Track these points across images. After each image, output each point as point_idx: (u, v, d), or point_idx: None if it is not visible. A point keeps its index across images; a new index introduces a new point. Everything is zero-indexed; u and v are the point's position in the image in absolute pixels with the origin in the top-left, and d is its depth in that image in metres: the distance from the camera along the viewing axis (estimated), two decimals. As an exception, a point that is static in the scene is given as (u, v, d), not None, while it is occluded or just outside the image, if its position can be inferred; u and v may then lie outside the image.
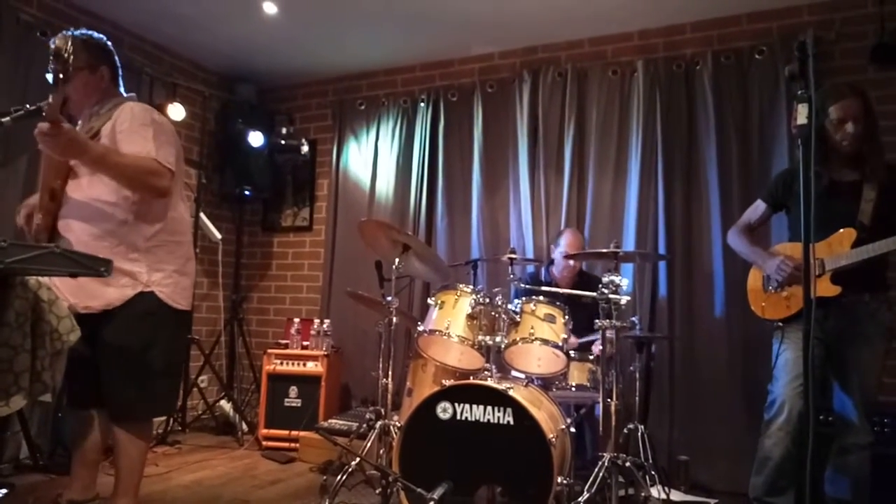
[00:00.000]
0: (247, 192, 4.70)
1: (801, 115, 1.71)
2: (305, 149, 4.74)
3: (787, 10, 3.63)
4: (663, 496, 2.67)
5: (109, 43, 2.32)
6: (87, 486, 2.28)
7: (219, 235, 4.43)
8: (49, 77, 2.18)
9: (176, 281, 2.20)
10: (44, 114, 1.89)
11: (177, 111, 4.12)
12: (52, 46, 2.16)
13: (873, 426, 2.53)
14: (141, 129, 2.10)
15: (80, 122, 2.28)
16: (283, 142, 4.70)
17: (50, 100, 1.94)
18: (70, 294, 2.06)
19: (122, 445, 2.13)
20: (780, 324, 2.57)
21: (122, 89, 2.34)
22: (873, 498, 2.46)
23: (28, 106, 2.13)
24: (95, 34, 2.28)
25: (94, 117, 2.21)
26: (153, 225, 2.16)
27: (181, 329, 2.32)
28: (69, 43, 2.13)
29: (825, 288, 2.41)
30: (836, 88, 2.56)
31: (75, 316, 1.93)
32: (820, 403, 2.62)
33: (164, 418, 4.02)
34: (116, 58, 2.33)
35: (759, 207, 2.78)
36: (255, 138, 4.58)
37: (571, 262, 3.42)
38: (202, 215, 4.25)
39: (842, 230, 2.43)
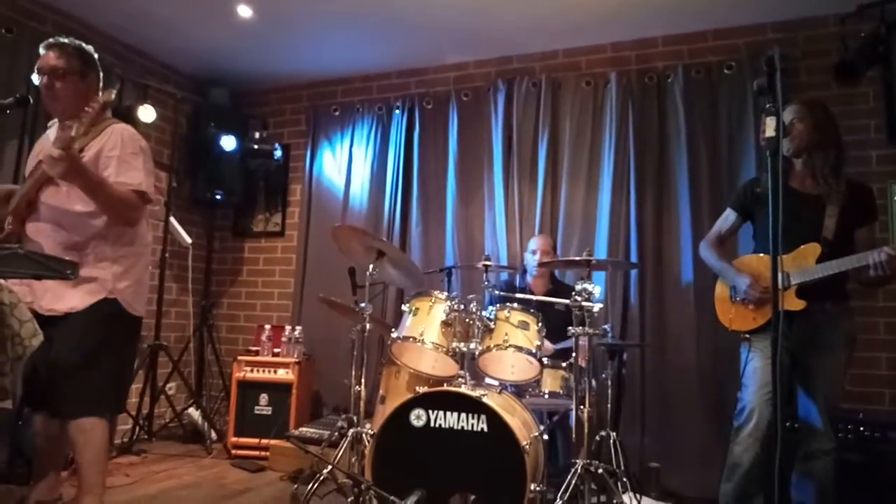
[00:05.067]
0: (218, 197, 4.64)
1: (770, 127, 1.75)
2: (278, 154, 4.70)
3: (751, 27, 3.74)
4: (635, 503, 2.69)
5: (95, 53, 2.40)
6: (52, 486, 2.26)
7: (189, 240, 4.35)
8: (34, 78, 2.27)
9: (135, 290, 2.30)
10: (58, 143, 2.05)
11: (147, 113, 4.04)
12: (44, 52, 2.26)
13: (837, 432, 2.60)
14: (132, 158, 2.24)
15: (55, 126, 2.36)
16: (255, 146, 4.65)
17: (59, 130, 2.20)
18: (34, 296, 2.12)
19: (76, 443, 2.16)
20: (748, 335, 2.62)
21: None
22: (837, 502, 2.52)
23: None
24: (88, 46, 2.36)
25: (76, 128, 2.18)
26: (124, 237, 2.26)
27: (135, 334, 2.41)
28: (64, 48, 2.26)
29: (791, 302, 2.47)
30: (789, 101, 2.67)
31: (36, 316, 1.93)
32: (786, 411, 2.67)
33: (129, 427, 3.93)
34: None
35: (728, 217, 2.83)
36: (228, 142, 4.52)
37: (539, 258, 3.46)
38: (172, 219, 4.17)
39: (806, 245, 2.50)
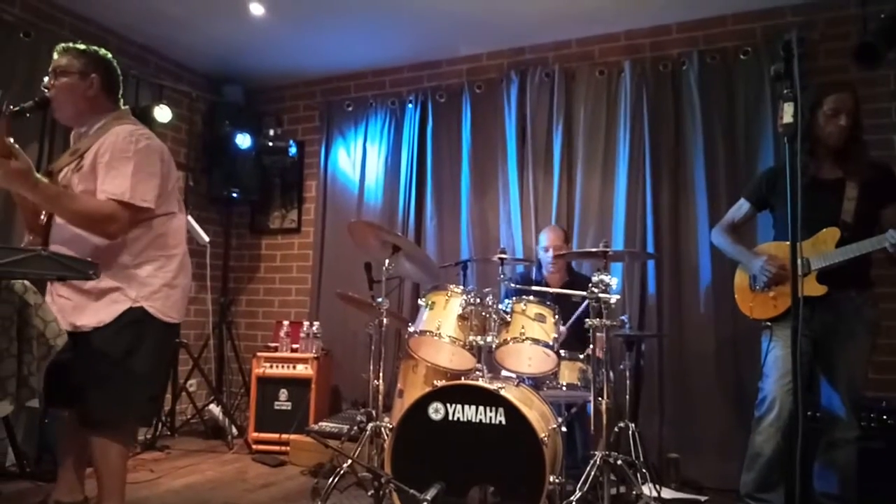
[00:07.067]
0: (234, 195, 4.67)
1: (787, 113, 1.72)
2: (293, 150, 4.72)
3: (770, 10, 3.67)
4: (654, 494, 2.68)
5: (110, 56, 2.27)
6: (73, 487, 2.26)
7: (206, 238, 4.38)
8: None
9: (166, 294, 2.20)
10: None
11: (163, 113, 4.08)
12: (55, 57, 2.20)
13: (860, 421, 2.57)
14: (121, 163, 2.06)
15: (71, 136, 2.29)
16: (270, 143, 4.67)
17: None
18: (61, 313, 2.05)
19: (99, 450, 2.11)
20: (769, 323, 2.60)
21: (120, 103, 2.30)
22: (860, 491, 2.49)
23: (12, 106, 2.09)
24: (101, 50, 2.27)
25: (83, 137, 2.19)
26: (140, 242, 2.15)
27: (168, 340, 2.31)
28: (69, 51, 2.18)
29: (811, 287, 2.44)
30: (832, 83, 2.68)
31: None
32: (808, 400, 2.64)
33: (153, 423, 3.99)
34: (117, 72, 2.28)
35: (742, 206, 2.81)
36: (243, 140, 4.56)
37: (552, 254, 3.43)
38: (190, 218, 4.19)
39: (826, 230, 2.46)
